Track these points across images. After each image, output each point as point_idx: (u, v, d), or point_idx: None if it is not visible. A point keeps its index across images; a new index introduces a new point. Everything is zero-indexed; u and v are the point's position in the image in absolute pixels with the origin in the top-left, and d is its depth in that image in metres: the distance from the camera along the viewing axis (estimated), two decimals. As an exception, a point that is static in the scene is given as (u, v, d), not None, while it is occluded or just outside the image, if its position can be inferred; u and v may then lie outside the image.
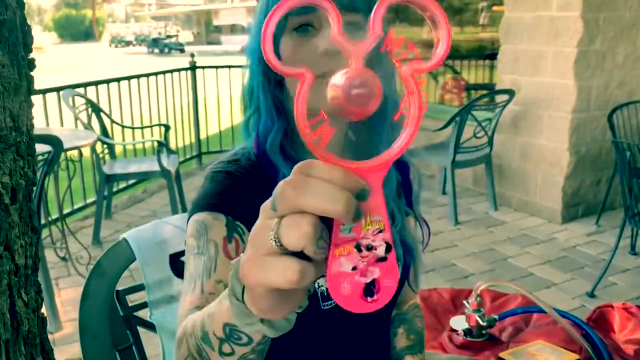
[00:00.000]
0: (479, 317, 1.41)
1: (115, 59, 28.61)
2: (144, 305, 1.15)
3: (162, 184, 4.58)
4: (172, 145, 4.68)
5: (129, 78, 4.68)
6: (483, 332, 1.43)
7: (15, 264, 0.50)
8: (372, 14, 0.42)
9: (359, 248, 0.42)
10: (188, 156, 5.57)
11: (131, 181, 4.55)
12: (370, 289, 0.43)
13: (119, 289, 1.13)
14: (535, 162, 4.01)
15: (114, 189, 4.27)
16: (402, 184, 1.00)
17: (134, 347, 1.11)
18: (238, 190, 0.87)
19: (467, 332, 1.43)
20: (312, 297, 0.85)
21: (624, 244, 3.38)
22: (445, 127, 3.92)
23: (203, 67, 5.55)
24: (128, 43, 48.64)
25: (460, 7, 8.16)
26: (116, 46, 48.05)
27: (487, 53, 6.17)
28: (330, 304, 0.88)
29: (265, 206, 0.44)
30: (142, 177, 4.13)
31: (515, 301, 1.58)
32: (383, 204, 0.43)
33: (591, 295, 2.88)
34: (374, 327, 1.00)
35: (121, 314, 1.12)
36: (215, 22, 51.75)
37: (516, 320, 1.51)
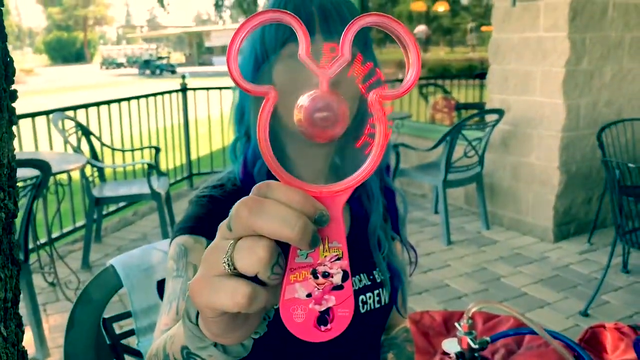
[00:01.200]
0: (471, 339, 1.40)
1: (107, 81, 28.65)
2: (131, 333, 1.13)
3: (153, 206, 4.56)
4: (163, 167, 4.65)
5: (119, 100, 4.68)
6: (475, 354, 1.42)
7: (-6, 298, 0.49)
8: (341, 37, 0.41)
9: (315, 275, 0.41)
10: (179, 177, 5.54)
11: (121, 204, 4.52)
12: (324, 318, 0.41)
13: (106, 316, 1.11)
14: (526, 180, 4.02)
15: (104, 212, 4.23)
16: (388, 209, 0.99)
17: (120, 377, 1.09)
18: (221, 214, 0.86)
19: (459, 356, 1.41)
20: None
21: (616, 262, 3.39)
22: (435, 146, 3.93)
23: (194, 89, 5.56)
24: (119, 65, 48.76)
25: (450, 27, 8.26)
26: (107, 68, 48.15)
27: (477, 72, 6.23)
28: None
29: (222, 225, 0.43)
30: (132, 200, 4.11)
31: (508, 323, 1.57)
32: (343, 230, 0.41)
33: (584, 314, 2.87)
34: (363, 352, 0.98)
35: (108, 342, 1.10)
36: (207, 44, 52.08)
37: (508, 342, 1.49)
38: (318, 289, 0.41)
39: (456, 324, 1.43)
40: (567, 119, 3.74)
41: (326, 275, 0.41)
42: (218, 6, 18.70)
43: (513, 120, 4.02)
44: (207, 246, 0.80)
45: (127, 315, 1.14)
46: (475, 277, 3.35)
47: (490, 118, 4.00)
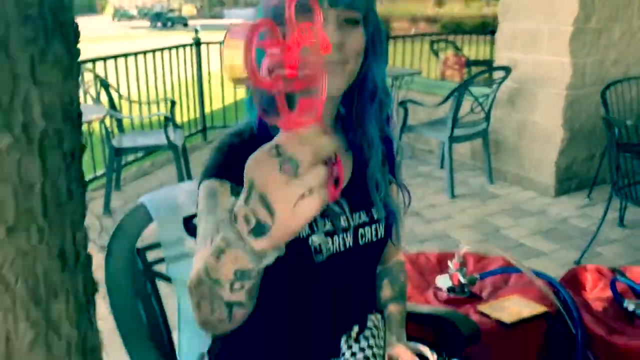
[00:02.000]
0: (461, 275, 1.56)
1: (121, 33, 28.54)
2: (161, 261, 1.30)
3: (169, 158, 4.72)
4: (178, 120, 4.80)
5: (135, 54, 4.79)
6: (465, 289, 1.59)
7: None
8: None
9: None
10: (193, 131, 5.69)
11: (139, 154, 4.68)
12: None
13: (139, 247, 1.27)
14: (531, 137, 4.13)
15: (122, 162, 4.41)
16: (387, 155, 1.13)
17: (152, 297, 1.27)
18: (240, 160, 1.00)
19: (450, 290, 1.58)
20: (305, 252, 1.00)
21: (614, 217, 3.53)
22: (443, 102, 4.03)
23: (207, 43, 5.64)
24: (131, 17, 48.34)
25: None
26: (119, 20, 47.76)
27: (490, 29, 6.24)
28: (322, 258, 1.02)
29: (278, 177, 0.56)
30: (150, 150, 4.27)
31: (497, 264, 1.72)
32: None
33: (578, 263, 3.02)
34: (362, 280, 1.14)
35: (141, 268, 1.27)
36: (219, -4, 51.31)
37: (496, 280, 1.65)
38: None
39: (448, 262, 1.60)
40: (573, 77, 3.82)
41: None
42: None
43: (520, 78, 4.09)
44: (230, 189, 0.95)
45: (157, 245, 1.30)
46: (476, 229, 3.51)
47: (497, 75, 4.08)
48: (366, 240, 1.08)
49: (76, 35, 0.62)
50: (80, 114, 0.59)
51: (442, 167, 4.58)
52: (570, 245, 3.28)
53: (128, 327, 1.20)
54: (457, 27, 7.77)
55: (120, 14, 49.57)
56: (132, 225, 1.27)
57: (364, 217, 1.09)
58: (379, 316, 1.15)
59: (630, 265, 2.09)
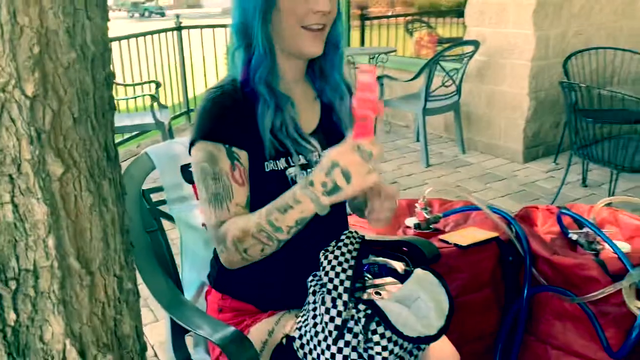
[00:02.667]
0: (426, 213, 1.78)
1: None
2: (163, 202, 1.50)
3: (155, 140, 4.88)
4: (162, 103, 4.95)
5: (118, 39, 4.93)
6: (430, 226, 1.80)
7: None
8: None
9: None
10: (177, 113, 5.85)
11: (126, 135, 4.84)
12: None
13: (144, 189, 1.47)
14: (499, 107, 4.36)
15: (111, 144, 4.55)
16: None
17: (159, 232, 1.46)
18: (230, 120, 1.15)
19: (417, 226, 1.80)
20: (284, 181, 1.18)
21: (577, 178, 3.79)
22: (416, 77, 4.24)
23: (188, 27, 5.78)
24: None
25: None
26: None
27: (462, 10, 6.45)
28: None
29: (359, 158, 0.95)
30: (138, 130, 4.42)
31: (459, 206, 1.94)
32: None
33: (542, 219, 3.27)
34: (337, 212, 1.32)
35: (147, 207, 1.46)
36: (195, -15, 50.89)
37: (458, 217, 1.87)
38: None
39: (415, 204, 1.82)
40: (537, 49, 4.05)
41: None
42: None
43: (488, 51, 4.32)
44: (226, 153, 1.15)
45: (160, 189, 1.50)
46: (449, 193, 3.73)
47: (467, 49, 4.30)
48: None
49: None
50: (110, 49, 0.79)
51: (417, 140, 4.79)
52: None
53: (141, 258, 1.40)
54: (430, 7, 7.97)
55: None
56: (138, 170, 1.47)
57: None
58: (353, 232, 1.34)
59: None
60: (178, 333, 1.42)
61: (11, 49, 0.60)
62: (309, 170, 1.22)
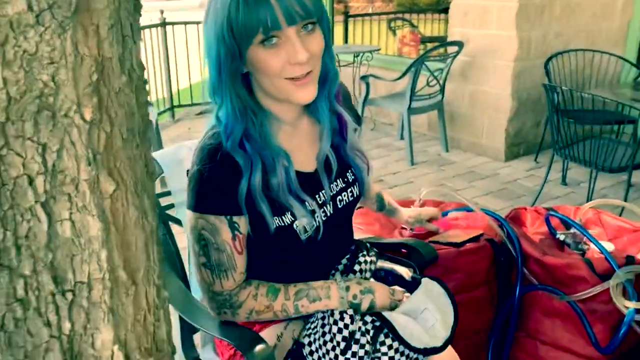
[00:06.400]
0: (422, 214, 1.84)
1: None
2: (171, 206, 1.54)
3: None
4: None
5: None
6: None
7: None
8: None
9: None
10: (162, 109, 5.84)
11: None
12: None
13: (153, 193, 1.50)
14: (482, 107, 4.46)
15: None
16: (341, 125, 1.29)
17: (167, 236, 1.50)
18: (228, 193, 1.10)
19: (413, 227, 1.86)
20: (293, 235, 1.15)
21: (557, 177, 3.91)
22: (401, 77, 4.31)
23: (173, 23, 5.77)
24: None
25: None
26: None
27: (443, 7, 6.54)
28: (308, 234, 1.17)
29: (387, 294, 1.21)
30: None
31: (452, 207, 2.01)
32: None
33: (525, 217, 3.37)
34: (344, 230, 1.35)
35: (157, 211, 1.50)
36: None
37: (451, 218, 1.94)
38: None
39: (411, 205, 1.88)
40: (519, 50, 4.15)
41: None
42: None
43: (471, 52, 4.41)
44: (228, 224, 1.10)
45: (167, 193, 1.54)
46: (434, 192, 3.80)
47: (451, 50, 4.38)
48: (344, 203, 1.27)
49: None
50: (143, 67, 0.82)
51: (402, 138, 4.88)
52: (518, 203, 3.63)
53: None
54: (412, 4, 8.05)
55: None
56: (146, 176, 1.50)
57: (340, 184, 1.26)
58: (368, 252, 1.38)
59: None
60: (187, 332, 1.47)
61: (74, 77, 0.65)
62: (316, 214, 1.18)
